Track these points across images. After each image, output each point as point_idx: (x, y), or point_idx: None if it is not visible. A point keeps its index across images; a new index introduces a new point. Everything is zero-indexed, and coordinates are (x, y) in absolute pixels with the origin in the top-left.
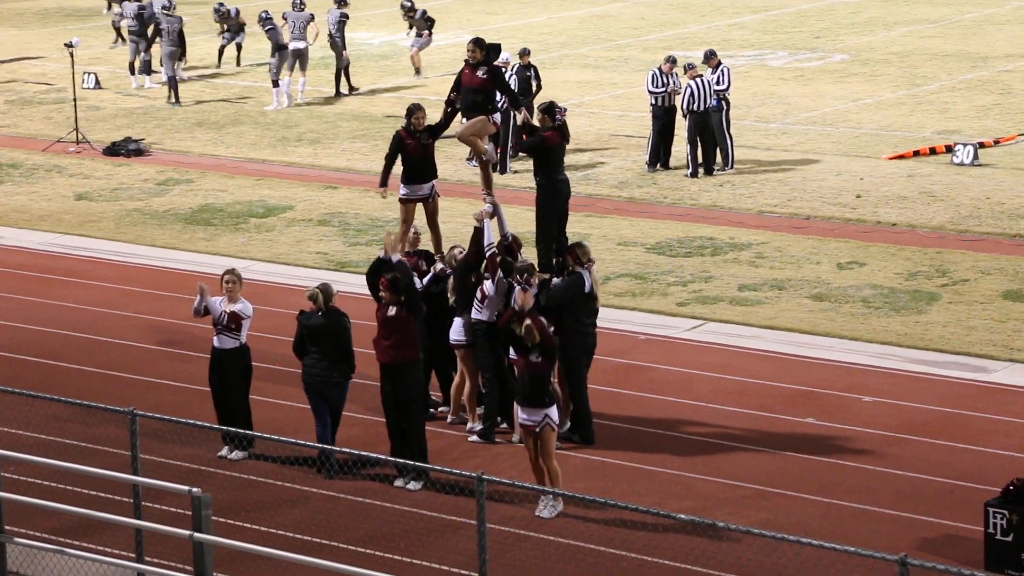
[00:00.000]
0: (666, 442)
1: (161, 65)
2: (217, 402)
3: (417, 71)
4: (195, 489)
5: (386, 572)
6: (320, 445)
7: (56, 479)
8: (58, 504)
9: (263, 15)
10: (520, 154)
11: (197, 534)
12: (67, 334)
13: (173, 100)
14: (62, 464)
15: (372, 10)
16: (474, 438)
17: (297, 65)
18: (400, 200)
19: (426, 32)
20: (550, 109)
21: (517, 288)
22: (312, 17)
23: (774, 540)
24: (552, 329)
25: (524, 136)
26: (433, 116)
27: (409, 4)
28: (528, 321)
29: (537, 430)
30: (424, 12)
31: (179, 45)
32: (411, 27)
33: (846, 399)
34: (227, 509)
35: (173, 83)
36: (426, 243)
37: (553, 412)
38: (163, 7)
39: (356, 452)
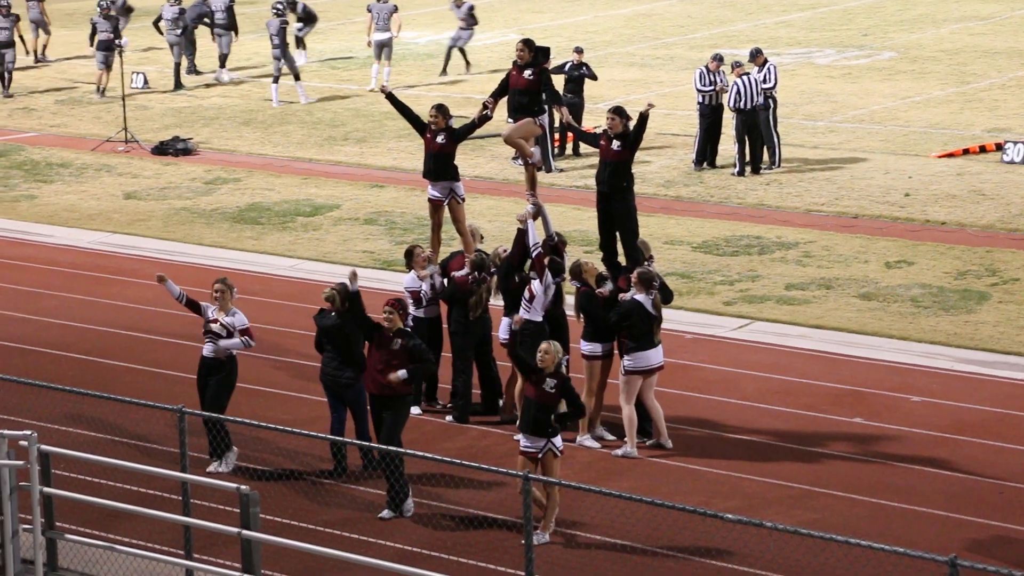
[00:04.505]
0: (713, 442)
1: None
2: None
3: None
4: (244, 487)
5: (432, 571)
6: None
7: (105, 476)
8: (108, 501)
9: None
10: (566, 152)
11: (246, 531)
12: (116, 332)
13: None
14: (111, 461)
15: (417, 9)
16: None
17: (383, 55)
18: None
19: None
20: (623, 112)
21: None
22: (396, 8)
23: (822, 540)
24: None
25: (569, 135)
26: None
27: None
28: (545, 345)
29: (539, 456)
30: (471, 7)
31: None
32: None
33: (895, 399)
34: (273, 506)
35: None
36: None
37: (557, 440)
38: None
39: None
